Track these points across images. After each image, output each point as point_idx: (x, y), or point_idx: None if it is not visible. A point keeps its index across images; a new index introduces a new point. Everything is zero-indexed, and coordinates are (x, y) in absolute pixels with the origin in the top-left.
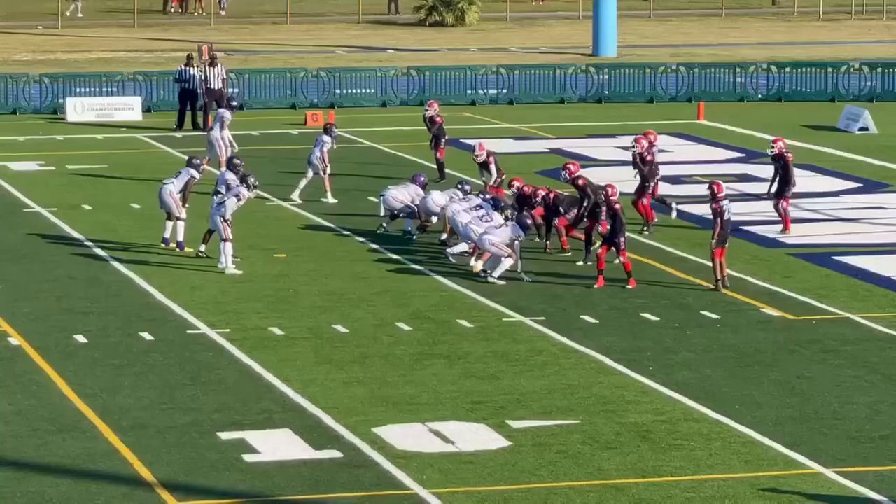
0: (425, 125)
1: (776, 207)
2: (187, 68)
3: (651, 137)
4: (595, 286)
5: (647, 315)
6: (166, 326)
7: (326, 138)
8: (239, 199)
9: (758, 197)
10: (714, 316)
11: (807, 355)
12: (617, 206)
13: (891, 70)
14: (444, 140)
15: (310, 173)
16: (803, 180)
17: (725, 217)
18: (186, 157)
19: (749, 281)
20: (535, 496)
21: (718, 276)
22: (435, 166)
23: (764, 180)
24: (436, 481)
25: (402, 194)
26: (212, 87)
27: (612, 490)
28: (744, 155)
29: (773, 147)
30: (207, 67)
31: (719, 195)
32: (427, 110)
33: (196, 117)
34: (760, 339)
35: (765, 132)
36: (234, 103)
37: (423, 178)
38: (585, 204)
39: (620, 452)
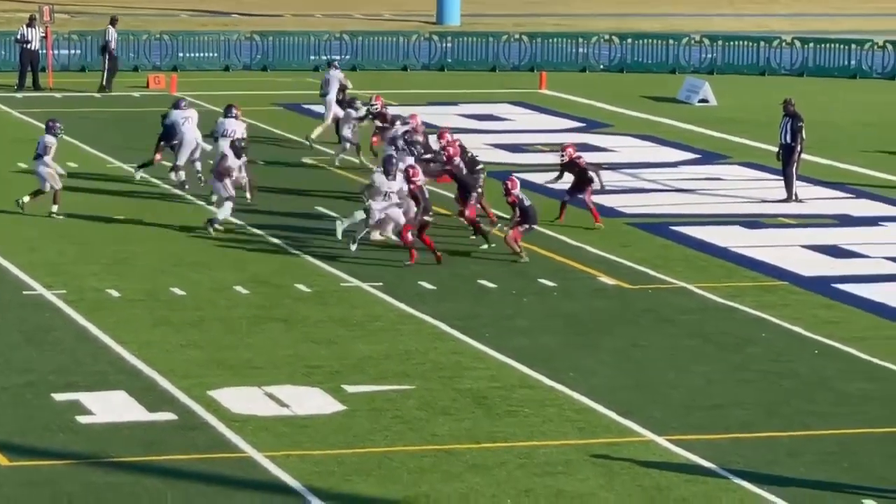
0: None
1: (585, 203)
2: (29, 29)
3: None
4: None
5: (484, 282)
6: (2, 287)
7: (352, 111)
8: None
9: (598, 166)
10: (551, 284)
11: (643, 324)
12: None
13: (731, 43)
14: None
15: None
16: (643, 151)
17: (527, 204)
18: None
19: (586, 249)
20: (369, 460)
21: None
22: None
23: (604, 150)
24: (270, 444)
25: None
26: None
27: (446, 455)
28: (584, 125)
29: (563, 155)
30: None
31: (512, 189)
32: (374, 104)
33: (37, 78)
34: (597, 308)
35: (606, 103)
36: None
37: None
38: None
39: (455, 418)
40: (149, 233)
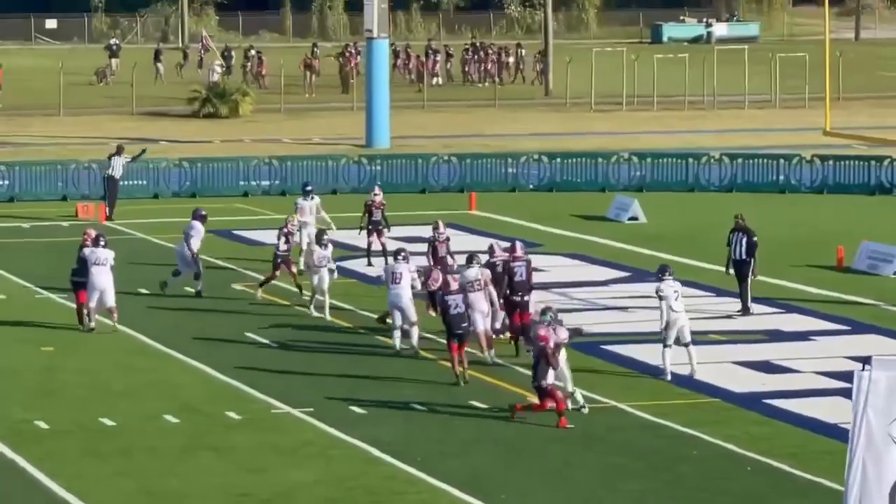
0: (367, 211)
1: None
2: None
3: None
4: None
5: (415, 405)
6: None
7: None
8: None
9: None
10: (482, 405)
11: (573, 443)
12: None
13: (659, 160)
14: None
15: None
16: (573, 270)
17: (451, 313)
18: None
19: (516, 370)
20: None
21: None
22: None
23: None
24: None
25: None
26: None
27: None
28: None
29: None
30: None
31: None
32: (377, 195)
33: None
34: (528, 429)
35: (536, 222)
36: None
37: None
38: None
39: None
40: (76, 363)
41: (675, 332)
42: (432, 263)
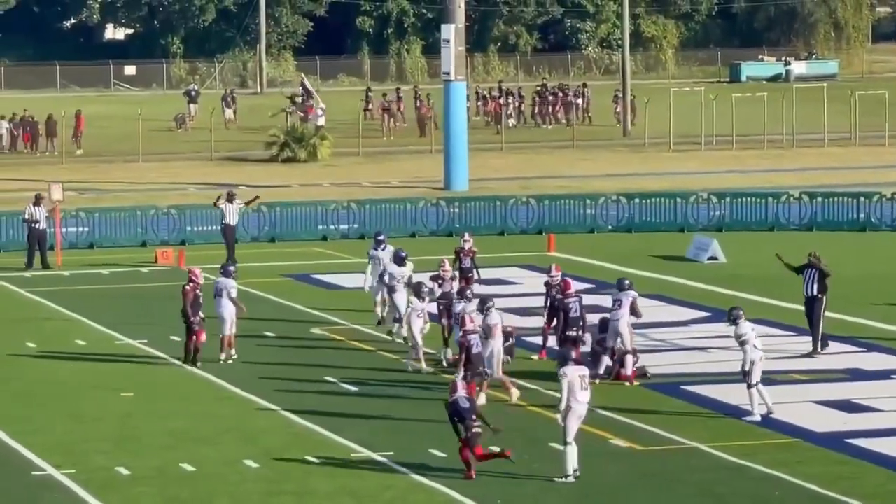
0: (457, 257)
1: None
2: (36, 208)
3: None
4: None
5: (495, 448)
6: (9, 468)
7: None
8: None
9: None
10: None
11: (654, 486)
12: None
13: (738, 199)
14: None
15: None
16: (652, 310)
17: (473, 352)
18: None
19: (597, 412)
20: None
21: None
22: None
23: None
24: None
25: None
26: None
27: None
28: (594, 286)
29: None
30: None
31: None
32: (466, 241)
33: (45, 256)
34: (609, 471)
35: (615, 263)
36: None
37: None
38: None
39: None
40: (157, 408)
41: (759, 370)
42: (457, 274)
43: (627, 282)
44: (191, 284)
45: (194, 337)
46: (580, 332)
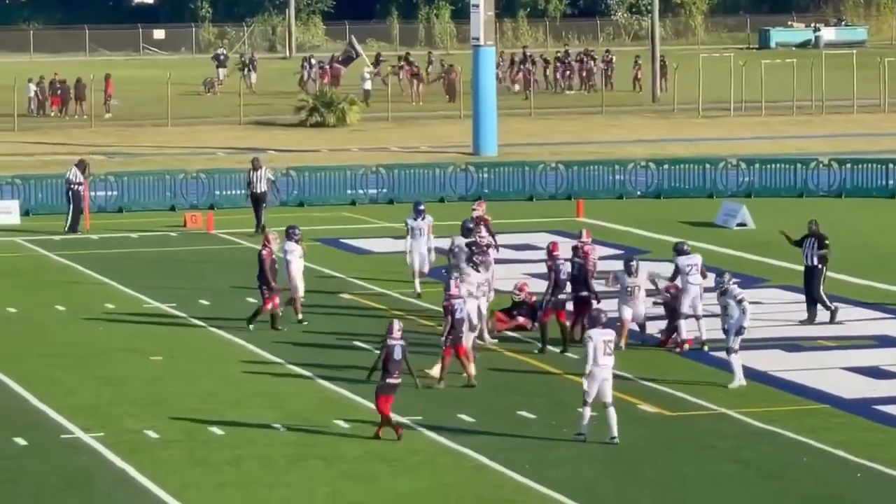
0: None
1: None
2: (78, 171)
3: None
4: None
5: (523, 413)
6: (40, 431)
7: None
8: None
9: None
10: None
11: (683, 452)
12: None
13: (768, 166)
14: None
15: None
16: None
17: (457, 316)
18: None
19: (625, 377)
20: None
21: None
22: None
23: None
24: None
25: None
26: (256, 191)
27: None
28: (622, 251)
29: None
30: (252, 172)
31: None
32: (475, 210)
33: (77, 220)
34: (638, 436)
35: (643, 229)
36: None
37: None
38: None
39: None
40: (185, 372)
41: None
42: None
43: (687, 246)
44: (266, 249)
45: (270, 303)
46: (568, 295)
